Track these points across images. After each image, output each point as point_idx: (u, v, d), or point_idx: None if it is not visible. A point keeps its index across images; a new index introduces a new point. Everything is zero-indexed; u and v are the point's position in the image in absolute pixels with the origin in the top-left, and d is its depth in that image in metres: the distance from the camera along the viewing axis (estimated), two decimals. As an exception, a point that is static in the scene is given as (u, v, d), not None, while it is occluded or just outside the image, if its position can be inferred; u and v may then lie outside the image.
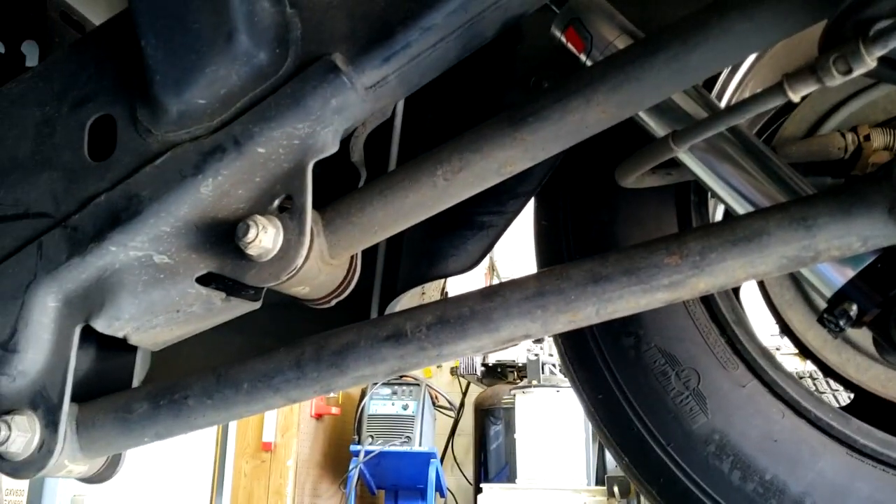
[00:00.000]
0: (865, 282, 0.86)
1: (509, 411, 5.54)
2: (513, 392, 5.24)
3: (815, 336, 1.28)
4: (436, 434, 6.44)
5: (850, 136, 1.19)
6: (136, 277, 0.94)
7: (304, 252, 0.91)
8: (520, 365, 6.11)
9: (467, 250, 1.19)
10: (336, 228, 0.96)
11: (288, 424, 5.23)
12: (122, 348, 1.03)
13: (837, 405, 1.38)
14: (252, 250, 0.90)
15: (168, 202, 0.92)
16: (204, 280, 0.96)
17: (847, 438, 1.05)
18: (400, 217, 0.95)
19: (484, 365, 6.53)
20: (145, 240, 0.93)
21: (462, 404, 6.76)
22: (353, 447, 5.47)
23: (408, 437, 5.49)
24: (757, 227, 0.78)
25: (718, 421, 1.08)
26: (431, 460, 5.88)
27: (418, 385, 5.69)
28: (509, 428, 6.59)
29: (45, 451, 0.91)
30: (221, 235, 0.94)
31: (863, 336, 1.26)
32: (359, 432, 5.59)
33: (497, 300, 0.85)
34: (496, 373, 6.60)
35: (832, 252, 0.77)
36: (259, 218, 0.91)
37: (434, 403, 6.30)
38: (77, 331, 0.94)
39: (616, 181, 1.05)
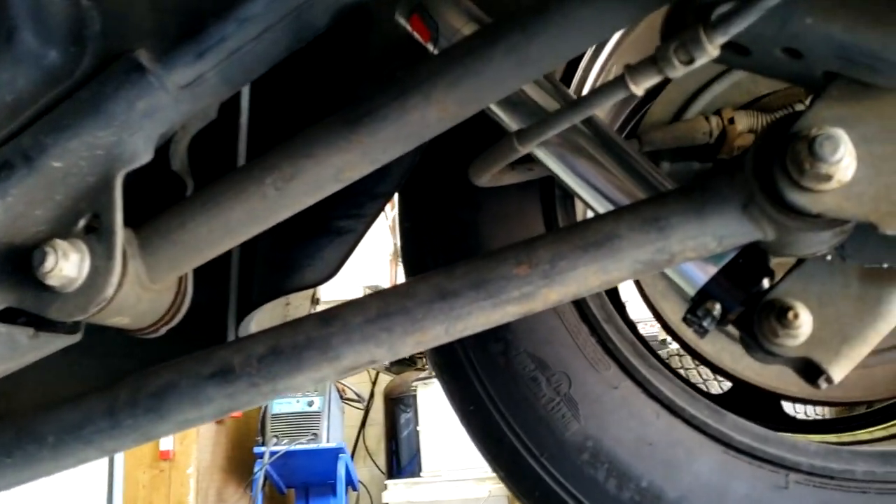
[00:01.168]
0: (728, 279, 0.82)
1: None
2: (415, 384, 5.18)
3: (690, 327, 1.25)
4: (346, 427, 6.33)
5: (714, 120, 1.16)
6: (-83, 318, 0.80)
7: (114, 279, 0.80)
8: (427, 351, 6.05)
9: (324, 259, 1.10)
10: (154, 249, 0.85)
11: (186, 431, 5.01)
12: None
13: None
14: (52, 280, 0.78)
15: (-54, 230, 0.79)
16: (5, 315, 0.84)
17: (722, 436, 1.02)
18: (227, 232, 0.85)
19: (390, 353, 6.43)
20: (-74, 274, 0.80)
21: (371, 394, 6.67)
22: (256, 449, 5.30)
23: (315, 433, 5.36)
24: (608, 230, 0.71)
25: (591, 427, 1.02)
26: (340, 455, 5.75)
27: (323, 380, 5.55)
28: (417, 416, 6.55)
29: None
30: (19, 264, 0.81)
31: (736, 325, 1.23)
32: (263, 433, 5.42)
33: (336, 325, 0.76)
34: (404, 360, 6.53)
35: (687, 254, 0.72)
36: (59, 242, 0.79)
37: (342, 397, 6.19)
38: None
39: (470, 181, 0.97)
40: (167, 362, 0.81)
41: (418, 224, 1.16)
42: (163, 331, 0.93)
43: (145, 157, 0.83)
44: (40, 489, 3.74)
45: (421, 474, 4.01)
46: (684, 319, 0.83)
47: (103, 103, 0.79)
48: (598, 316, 1.07)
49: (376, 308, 0.77)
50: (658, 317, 1.28)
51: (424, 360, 6.35)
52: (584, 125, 0.90)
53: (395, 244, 7.16)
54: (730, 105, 1.17)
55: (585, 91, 1.08)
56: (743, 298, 0.81)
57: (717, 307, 0.81)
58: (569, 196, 1.12)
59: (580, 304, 1.07)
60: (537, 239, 0.75)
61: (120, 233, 0.81)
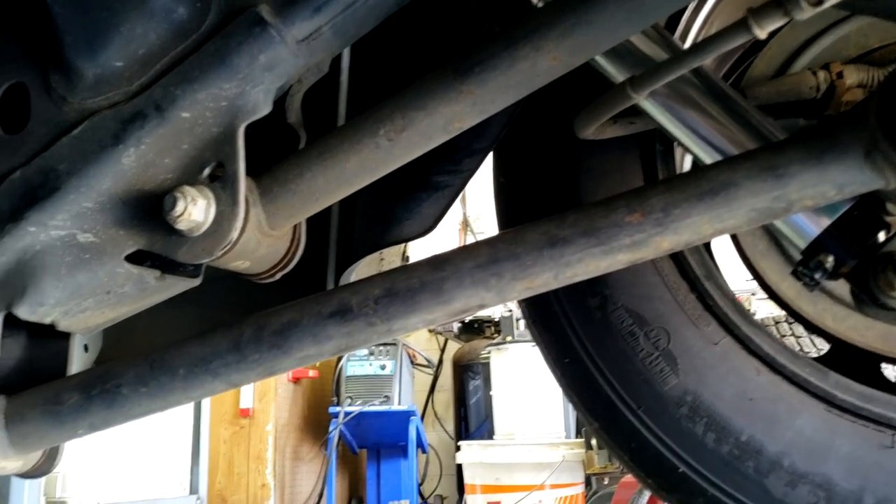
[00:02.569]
0: (841, 231, 0.81)
1: (487, 366, 5.53)
2: (488, 349, 5.22)
3: (790, 286, 1.23)
4: (415, 392, 6.44)
5: (822, 74, 1.13)
6: (60, 259, 0.86)
7: (238, 224, 0.84)
8: (496, 320, 6.08)
9: (422, 213, 1.12)
10: (274, 196, 0.89)
11: (265, 390, 5.19)
12: (54, 335, 0.96)
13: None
14: (182, 224, 0.83)
15: (88, 176, 0.84)
16: (135, 258, 0.89)
17: (825, 394, 1.01)
18: (342, 182, 0.88)
19: (461, 321, 6.50)
20: (66, 218, 0.86)
21: (440, 361, 6.75)
22: (332, 409, 5.45)
23: (387, 396, 5.47)
24: (724, 178, 0.72)
25: (691, 381, 1.03)
26: (411, 418, 5.86)
27: (395, 345, 5.65)
28: (488, 383, 6.60)
29: (-31, 452, 0.84)
30: (150, 209, 0.87)
31: (839, 284, 1.21)
32: (337, 394, 5.56)
33: (448, 269, 0.79)
34: (473, 328, 6.58)
35: (805, 202, 0.71)
36: (188, 189, 0.83)
37: (412, 362, 6.29)
38: (-1, 319, 0.87)
39: (575, 133, 0.98)
40: (288, 303, 0.85)
41: (515, 180, 1.18)
42: (278, 276, 0.98)
43: (265, 108, 0.86)
44: (134, 443, 3.94)
45: (494, 438, 4.06)
46: (794, 272, 0.82)
47: (228, 56, 0.83)
48: (698, 272, 1.06)
49: (486, 254, 0.79)
50: (758, 277, 1.27)
51: (493, 328, 6.39)
52: (692, 75, 0.89)
53: (465, 213, 7.18)
54: (838, 59, 1.14)
55: (688, 44, 1.07)
56: (857, 251, 0.80)
57: (830, 260, 0.81)
58: (669, 152, 1.11)
59: (680, 261, 1.07)
60: (649, 187, 0.75)
61: (243, 181, 0.85)
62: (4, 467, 0.90)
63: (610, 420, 1.07)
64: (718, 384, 1.02)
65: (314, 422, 6.13)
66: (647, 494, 2.62)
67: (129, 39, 0.85)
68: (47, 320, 0.89)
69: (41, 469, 0.96)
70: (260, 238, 0.90)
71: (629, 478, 2.80)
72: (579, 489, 3.38)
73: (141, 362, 0.86)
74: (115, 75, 0.86)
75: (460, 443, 3.50)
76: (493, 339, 5.97)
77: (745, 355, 1.03)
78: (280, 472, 5.78)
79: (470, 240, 7.05)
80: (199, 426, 4.55)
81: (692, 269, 1.07)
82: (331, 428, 5.84)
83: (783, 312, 1.32)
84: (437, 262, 0.80)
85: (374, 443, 6.41)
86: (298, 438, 6.06)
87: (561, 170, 1.13)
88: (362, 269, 1.27)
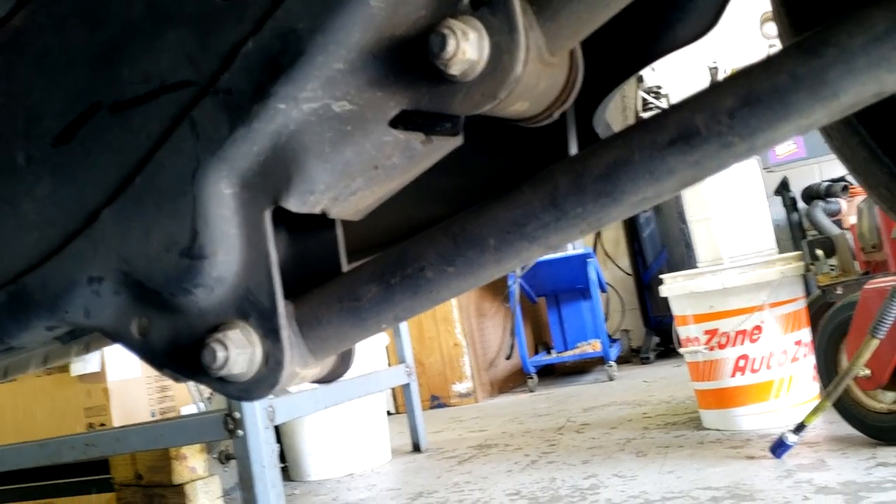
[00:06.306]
0: None
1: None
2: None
3: None
4: (582, 232, 6.32)
5: None
6: (320, 136, 0.73)
7: (521, 55, 0.68)
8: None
9: (697, 7, 0.91)
10: (554, 11, 0.71)
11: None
12: (316, 226, 0.85)
13: None
14: (454, 68, 0.67)
15: (334, 30, 0.69)
16: (398, 122, 0.75)
17: None
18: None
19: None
20: (317, 86, 0.72)
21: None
22: (508, 263, 5.43)
23: (559, 242, 5.37)
24: None
25: None
26: (588, 260, 5.79)
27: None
28: (660, 212, 6.35)
29: (272, 363, 0.76)
30: (407, 59, 0.71)
31: None
32: (510, 247, 5.52)
33: (830, 53, 0.59)
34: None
35: None
36: (453, 22, 0.67)
37: (576, 204, 6.13)
38: (267, 216, 0.76)
39: None
40: (605, 140, 0.69)
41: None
42: (556, 115, 0.81)
43: None
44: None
45: (698, 266, 3.87)
46: None
47: None
48: None
49: (884, 24, 0.58)
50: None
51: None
52: None
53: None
54: None
55: None
56: None
57: None
58: None
59: None
60: None
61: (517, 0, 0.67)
62: (304, 376, 0.83)
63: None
64: None
65: (491, 277, 6.19)
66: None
67: None
68: (318, 209, 0.78)
69: (336, 373, 0.89)
70: (540, 69, 0.73)
71: (874, 283, 2.55)
72: (801, 304, 3.16)
73: (441, 238, 0.73)
74: None
75: (663, 276, 3.34)
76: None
77: None
78: (468, 330, 5.92)
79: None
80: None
81: None
82: (510, 282, 5.88)
83: None
84: (811, 48, 0.60)
85: (551, 290, 6.44)
86: (479, 296, 6.15)
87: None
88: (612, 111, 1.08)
